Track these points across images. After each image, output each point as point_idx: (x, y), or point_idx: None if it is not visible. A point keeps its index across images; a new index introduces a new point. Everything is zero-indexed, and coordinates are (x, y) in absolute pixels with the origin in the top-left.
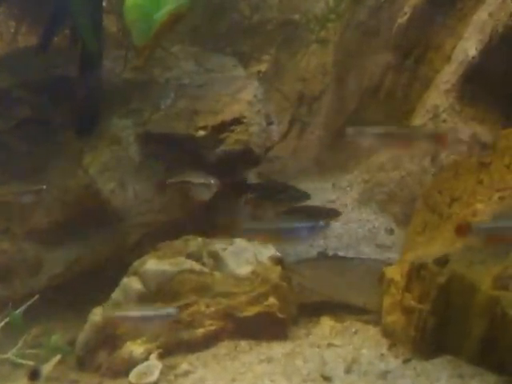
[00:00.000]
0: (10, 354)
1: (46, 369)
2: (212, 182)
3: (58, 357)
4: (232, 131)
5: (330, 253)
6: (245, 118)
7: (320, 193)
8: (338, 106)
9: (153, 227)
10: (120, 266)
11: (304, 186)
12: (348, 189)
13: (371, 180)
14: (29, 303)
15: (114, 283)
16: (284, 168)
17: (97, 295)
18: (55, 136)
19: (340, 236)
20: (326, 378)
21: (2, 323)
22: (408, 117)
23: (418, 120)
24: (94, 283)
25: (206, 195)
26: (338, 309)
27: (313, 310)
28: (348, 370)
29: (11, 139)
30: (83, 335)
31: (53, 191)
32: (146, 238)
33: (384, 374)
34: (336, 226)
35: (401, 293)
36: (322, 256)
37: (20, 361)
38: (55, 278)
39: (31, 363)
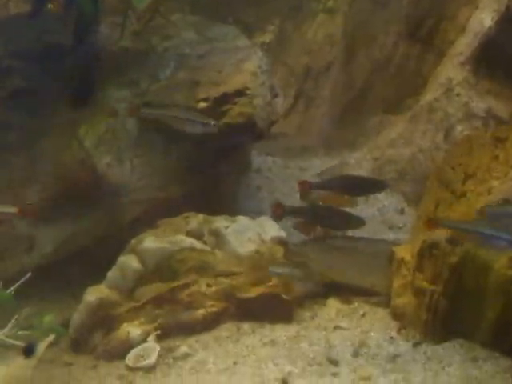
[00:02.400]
0: (1, 335)
1: (38, 350)
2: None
3: (51, 337)
4: (235, 103)
5: (338, 233)
6: (248, 89)
7: (327, 171)
8: (346, 80)
9: (151, 204)
10: (116, 244)
11: (310, 163)
12: (356, 166)
13: (381, 157)
14: (21, 281)
15: (110, 262)
16: (289, 145)
17: (91, 274)
18: (48, 107)
19: None
20: (333, 362)
21: None
22: (420, 90)
23: (431, 94)
24: (88, 262)
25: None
26: (346, 291)
27: (320, 292)
28: (356, 354)
29: (1, 110)
30: (77, 316)
31: (46, 165)
32: (143, 216)
33: (393, 358)
34: None
35: (412, 273)
36: (329, 236)
37: (11, 341)
38: (48, 256)
39: (16, 342)
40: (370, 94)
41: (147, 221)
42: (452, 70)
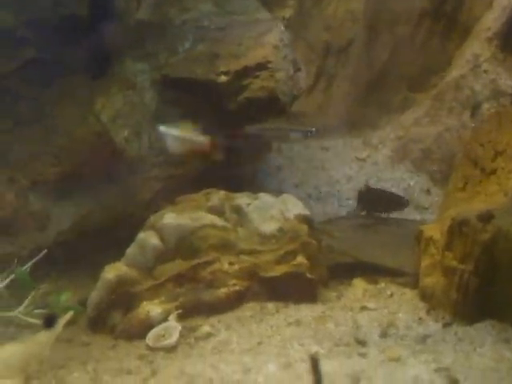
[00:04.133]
0: (16, 312)
1: (58, 326)
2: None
3: (70, 314)
4: (256, 77)
5: (361, 213)
6: (270, 62)
7: (349, 150)
8: (368, 58)
9: (169, 181)
10: (133, 221)
11: (333, 142)
12: (380, 146)
13: (405, 136)
14: (37, 258)
15: (126, 240)
16: (309, 124)
17: (108, 252)
18: (63, 79)
19: None
20: (360, 342)
21: (8, 280)
22: (445, 68)
23: (457, 70)
24: (104, 240)
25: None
26: (371, 270)
27: (344, 272)
28: (384, 334)
29: (14, 82)
30: (95, 294)
31: (61, 139)
32: (161, 193)
33: (423, 339)
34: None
35: (441, 252)
36: (353, 215)
37: (28, 319)
38: (63, 233)
39: (39, 322)
40: (393, 71)
41: (165, 198)
42: (479, 46)
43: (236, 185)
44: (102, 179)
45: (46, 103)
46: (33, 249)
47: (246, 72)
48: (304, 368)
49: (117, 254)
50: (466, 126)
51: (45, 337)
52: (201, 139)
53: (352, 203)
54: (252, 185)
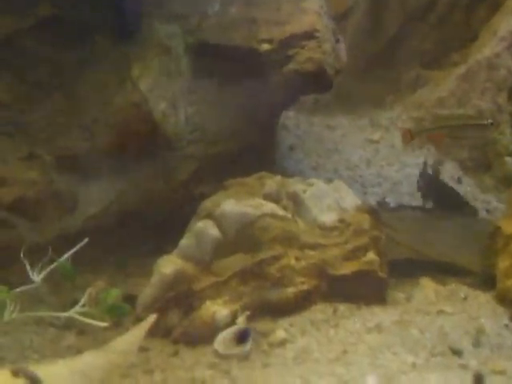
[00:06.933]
0: (72, 312)
1: (140, 333)
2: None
3: (153, 317)
4: (303, 47)
5: (391, 202)
6: (318, 31)
7: (357, 130)
8: (371, 28)
9: (204, 161)
10: (168, 205)
11: (336, 121)
12: (391, 127)
13: (426, 118)
14: (78, 246)
15: (162, 226)
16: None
17: (144, 240)
18: (86, 40)
19: (398, 183)
20: (456, 352)
21: (45, 273)
22: (468, 43)
23: (490, 48)
24: (138, 226)
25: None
26: (437, 269)
27: (406, 270)
28: (477, 343)
29: (30, 42)
30: (149, 292)
31: (92, 109)
32: (197, 174)
33: None
34: (390, 170)
35: None
36: (403, 207)
37: (83, 319)
38: (91, 218)
39: (95, 322)
40: (402, 46)
41: (200, 182)
42: None
43: (262, 166)
44: (136, 157)
45: (68, 67)
46: (57, 236)
47: (291, 41)
48: (406, 381)
49: (154, 242)
50: (502, 110)
51: (127, 344)
52: None
53: (377, 190)
54: (273, 166)
